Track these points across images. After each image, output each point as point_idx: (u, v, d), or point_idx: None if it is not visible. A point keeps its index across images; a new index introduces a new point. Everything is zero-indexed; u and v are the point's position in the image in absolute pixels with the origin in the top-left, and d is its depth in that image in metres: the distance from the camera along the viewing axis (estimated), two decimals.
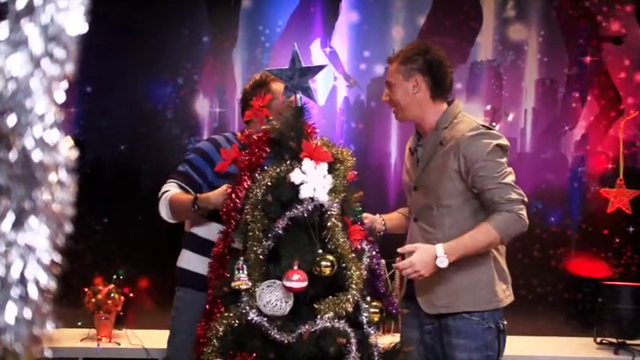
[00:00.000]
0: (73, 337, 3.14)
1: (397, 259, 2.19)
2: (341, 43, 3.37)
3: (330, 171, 1.87)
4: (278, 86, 2.32)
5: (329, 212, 1.83)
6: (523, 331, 3.39)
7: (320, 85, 3.35)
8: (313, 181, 1.83)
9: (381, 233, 2.30)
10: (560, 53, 3.38)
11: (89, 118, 3.39)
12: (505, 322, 2.17)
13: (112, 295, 3.08)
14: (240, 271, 1.85)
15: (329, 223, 1.83)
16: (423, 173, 2.17)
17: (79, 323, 3.25)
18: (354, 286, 1.81)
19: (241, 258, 1.87)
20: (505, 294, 2.15)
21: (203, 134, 3.32)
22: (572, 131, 3.40)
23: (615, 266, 3.41)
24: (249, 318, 1.80)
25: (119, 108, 3.35)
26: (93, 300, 3.11)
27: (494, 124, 3.29)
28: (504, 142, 2.10)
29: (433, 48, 2.18)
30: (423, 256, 2.00)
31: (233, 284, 1.83)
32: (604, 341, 3.19)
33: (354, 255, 1.85)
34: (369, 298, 1.90)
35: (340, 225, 1.84)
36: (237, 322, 1.82)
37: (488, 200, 2.03)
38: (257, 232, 1.85)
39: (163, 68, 3.32)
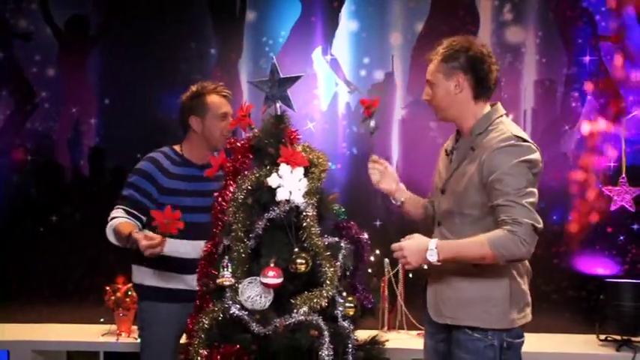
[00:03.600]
0: (95, 333, 3.38)
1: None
2: (341, 50, 3.49)
3: (305, 175, 2.00)
4: (213, 98, 2.44)
5: (304, 213, 1.96)
6: (527, 329, 3.43)
7: (322, 91, 3.49)
8: (289, 184, 1.97)
9: (398, 203, 2.29)
10: (559, 54, 3.41)
11: (108, 128, 3.62)
12: (516, 341, 2.05)
13: (130, 293, 3.28)
14: (225, 269, 2.01)
15: (304, 224, 1.96)
16: (451, 177, 2.08)
17: (102, 320, 3.49)
18: (328, 282, 1.94)
19: (226, 257, 2.02)
20: (518, 315, 2.01)
21: None
22: (572, 130, 3.43)
23: (620, 264, 3.42)
24: (232, 312, 1.95)
25: (136, 118, 3.57)
26: (112, 298, 3.33)
27: None
28: (535, 157, 1.94)
29: (476, 43, 2.06)
30: (416, 243, 1.96)
31: (218, 281, 1.99)
32: (608, 338, 3.21)
33: (328, 253, 1.98)
34: (345, 294, 2.02)
35: (316, 225, 1.98)
36: (221, 315, 1.98)
37: (496, 217, 1.89)
38: (239, 233, 2.00)
39: (175, 80, 3.51)
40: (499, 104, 2.11)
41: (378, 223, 3.47)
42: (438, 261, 1.95)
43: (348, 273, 2.10)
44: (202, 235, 2.16)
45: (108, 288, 3.35)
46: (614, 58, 3.40)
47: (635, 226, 3.41)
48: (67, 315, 3.57)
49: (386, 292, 3.31)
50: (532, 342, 3.38)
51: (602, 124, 3.43)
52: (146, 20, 3.53)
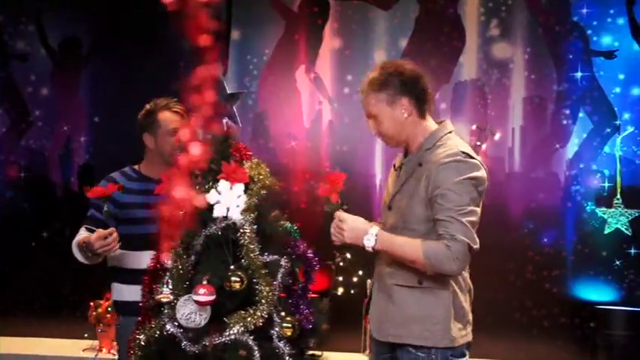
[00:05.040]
0: (78, 348, 3.41)
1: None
2: (325, 68, 3.47)
3: (246, 191, 1.97)
4: (163, 115, 2.45)
5: (242, 230, 1.93)
6: (517, 357, 3.30)
7: (305, 109, 3.47)
8: (227, 200, 1.95)
9: None
10: (549, 70, 3.30)
11: (98, 145, 3.69)
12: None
13: (110, 309, 3.30)
14: (165, 285, 1.99)
15: (242, 241, 1.93)
16: (398, 193, 2.03)
17: (85, 335, 3.52)
18: (263, 301, 1.90)
19: (168, 273, 2.00)
20: (460, 333, 1.96)
21: None
22: (563, 149, 3.30)
23: (617, 290, 3.25)
24: (167, 329, 1.92)
25: (124, 135, 3.61)
26: (94, 313, 3.36)
27: (478, 143, 3.26)
28: (480, 174, 1.90)
29: (402, 63, 2.01)
30: (359, 223, 1.92)
31: (156, 297, 1.97)
32: None
33: (265, 271, 1.93)
34: (283, 313, 1.96)
35: (254, 242, 1.94)
36: (157, 333, 1.95)
37: (438, 231, 1.86)
38: (179, 249, 1.99)
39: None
40: (447, 121, 2.05)
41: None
42: (373, 248, 1.91)
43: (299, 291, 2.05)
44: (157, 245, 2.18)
45: (92, 304, 3.38)
46: (608, 74, 3.26)
47: (632, 251, 3.23)
48: (55, 329, 3.61)
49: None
50: None
51: (595, 143, 3.29)
52: (135, 40, 3.60)
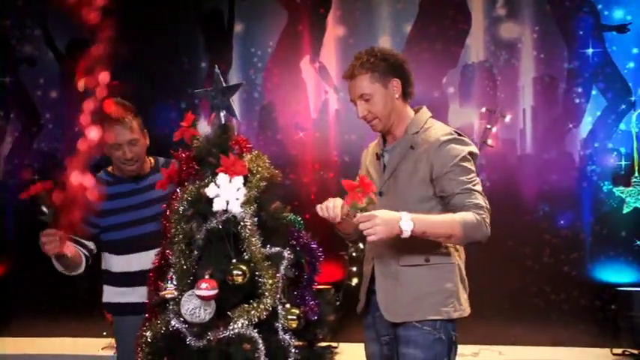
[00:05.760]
0: (96, 346, 3.45)
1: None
2: (329, 57, 3.43)
3: (245, 183, 1.95)
4: (106, 131, 2.21)
5: (242, 223, 1.91)
6: (537, 341, 3.23)
7: (312, 99, 3.44)
8: (226, 194, 1.93)
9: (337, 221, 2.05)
10: (559, 48, 3.21)
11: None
12: (457, 334, 2.04)
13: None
14: (169, 281, 1.98)
15: (243, 234, 1.91)
16: (390, 178, 2.06)
17: (104, 333, 3.55)
18: (267, 294, 1.88)
19: (171, 269, 2.00)
20: (466, 304, 2.02)
21: None
22: (577, 128, 3.21)
23: (638, 270, 3.16)
24: (172, 324, 1.92)
25: None
26: None
27: (489, 125, 3.19)
28: (475, 150, 2.01)
29: (384, 48, 2.06)
30: (387, 214, 1.86)
31: (161, 293, 1.96)
32: (626, 352, 2.96)
33: (268, 263, 1.91)
34: (288, 305, 1.94)
35: (256, 235, 1.92)
36: (163, 329, 1.95)
37: (456, 204, 1.91)
38: (181, 245, 1.97)
39: (168, 95, 3.56)
40: (425, 107, 2.09)
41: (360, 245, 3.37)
42: (412, 231, 1.84)
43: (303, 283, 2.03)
44: (150, 245, 2.15)
45: None
46: (621, 48, 3.16)
47: None
48: (74, 328, 3.66)
49: None
50: (541, 356, 3.22)
51: (610, 120, 3.20)
52: (140, 37, 3.59)
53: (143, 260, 2.34)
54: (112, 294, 2.40)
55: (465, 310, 2.01)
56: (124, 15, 3.52)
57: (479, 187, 1.93)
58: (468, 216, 1.87)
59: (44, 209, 2.04)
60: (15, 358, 3.40)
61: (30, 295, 3.76)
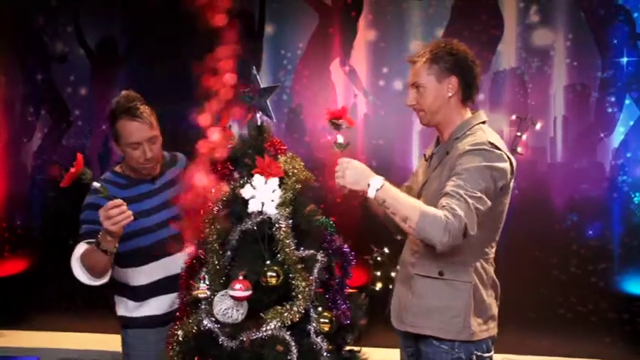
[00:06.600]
0: (117, 342, 3.45)
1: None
2: (360, 61, 3.42)
3: (280, 185, 1.95)
4: (123, 124, 2.17)
5: (277, 225, 1.91)
6: (562, 352, 3.20)
7: (341, 103, 3.43)
8: (262, 195, 1.93)
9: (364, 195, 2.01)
10: (592, 56, 3.18)
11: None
12: (486, 355, 1.95)
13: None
14: (202, 281, 1.99)
15: (277, 236, 1.91)
16: (427, 182, 2.04)
17: None
18: (300, 297, 1.87)
19: (204, 269, 2.00)
20: (480, 328, 1.93)
21: None
22: (609, 138, 3.17)
23: None
24: (204, 324, 1.92)
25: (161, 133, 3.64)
26: None
27: (519, 133, 3.16)
28: (503, 165, 1.84)
29: (462, 46, 1.97)
30: (364, 167, 1.85)
31: (193, 293, 1.97)
32: None
33: (301, 266, 1.91)
34: (320, 309, 1.94)
35: (290, 237, 1.92)
36: (195, 328, 1.95)
37: (441, 202, 1.80)
38: (214, 245, 1.98)
39: (198, 95, 3.56)
40: (482, 111, 2.02)
41: (399, 237, 3.34)
42: (377, 190, 1.81)
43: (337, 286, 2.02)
44: (173, 248, 2.14)
45: None
46: None
47: None
48: (95, 324, 3.68)
49: None
50: None
51: None
52: (170, 39, 3.62)
53: (169, 266, 2.26)
54: (131, 308, 2.29)
55: (475, 333, 1.90)
56: (151, 16, 3.56)
57: (476, 203, 1.76)
58: (435, 212, 1.76)
59: (96, 184, 1.96)
60: (37, 352, 3.44)
61: (52, 290, 3.79)
